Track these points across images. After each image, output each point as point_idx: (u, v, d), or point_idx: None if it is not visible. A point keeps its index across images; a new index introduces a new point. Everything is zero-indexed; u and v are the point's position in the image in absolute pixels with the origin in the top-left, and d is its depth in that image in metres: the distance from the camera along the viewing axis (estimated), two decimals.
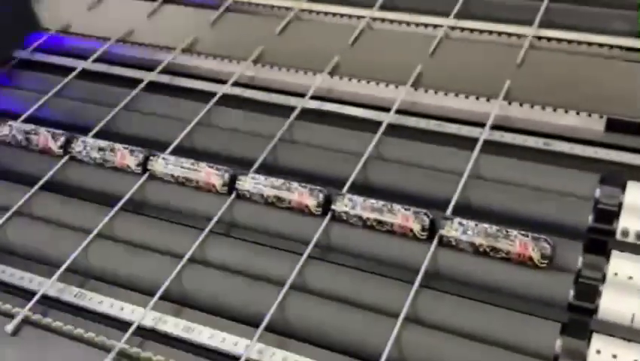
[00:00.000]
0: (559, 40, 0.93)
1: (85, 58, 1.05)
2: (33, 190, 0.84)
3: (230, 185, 0.80)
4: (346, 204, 0.74)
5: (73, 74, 1.02)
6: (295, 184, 0.77)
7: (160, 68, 1.00)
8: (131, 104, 0.95)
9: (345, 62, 0.96)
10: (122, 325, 0.70)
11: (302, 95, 0.92)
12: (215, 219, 0.77)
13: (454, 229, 0.70)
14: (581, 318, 0.65)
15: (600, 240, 0.70)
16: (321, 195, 0.76)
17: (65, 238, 0.80)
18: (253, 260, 0.74)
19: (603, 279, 0.67)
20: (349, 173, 0.79)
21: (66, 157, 0.88)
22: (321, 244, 0.74)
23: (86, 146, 0.87)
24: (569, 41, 0.92)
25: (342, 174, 0.80)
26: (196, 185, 0.81)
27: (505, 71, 0.89)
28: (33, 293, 0.74)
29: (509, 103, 0.86)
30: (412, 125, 0.87)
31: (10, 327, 0.70)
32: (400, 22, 1.02)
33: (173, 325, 0.70)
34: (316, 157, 0.84)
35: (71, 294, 0.74)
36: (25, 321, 0.71)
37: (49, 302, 0.74)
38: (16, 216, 0.82)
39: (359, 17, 1.03)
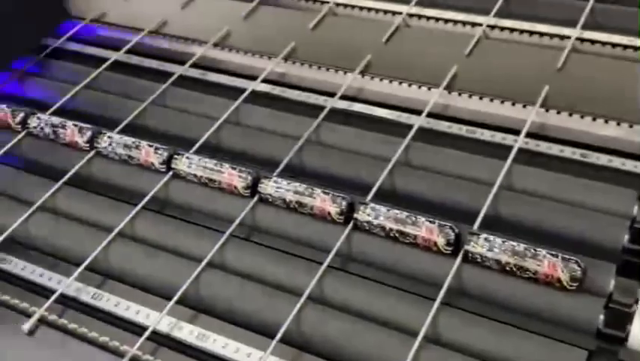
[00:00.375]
0: (603, 43, 0.88)
1: (117, 49, 1.04)
2: (57, 186, 0.83)
3: (253, 188, 0.78)
4: (369, 213, 0.72)
5: (105, 65, 1.01)
6: (318, 190, 0.75)
7: (190, 62, 0.99)
8: (160, 99, 0.94)
9: (378, 60, 0.93)
10: (137, 328, 0.69)
11: (332, 95, 0.90)
12: (236, 222, 0.76)
13: (480, 245, 0.67)
14: (609, 346, 0.62)
15: (635, 262, 0.67)
16: (343, 203, 0.73)
17: (87, 235, 0.79)
18: (272, 268, 0.73)
19: (636, 305, 0.63)
20: (375, 178, 0.77)
21: (92, 152, 0.87)
22: (341, 253, 0.72)
23: (112, 142, 0.86)
24: (614, 45, 0.88)
25: (368, 179, 0.78)
26: (219, 186, 0.80)
27: (544, 76, 0.85)
28: (51, 291, 0.73)
29: (547, 110, 0.82)
30: (444, 130, 0.84)
31: (26, 326, 0.70)
32: (438, 20, 0.98)
33: (188, 332, 0.68)
34: (343, 161, 0.82)
35: (89, 294, 0.73)
36: (42, 321, 0.71)
37: (68, 301, 0.73)
38: (39, 211, 0.82)
39: (395, 13, 1.00)
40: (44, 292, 0.74)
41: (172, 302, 0.70)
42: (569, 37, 0.89)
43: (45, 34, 1.10)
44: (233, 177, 0.79)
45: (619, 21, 0.91)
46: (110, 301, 0.72)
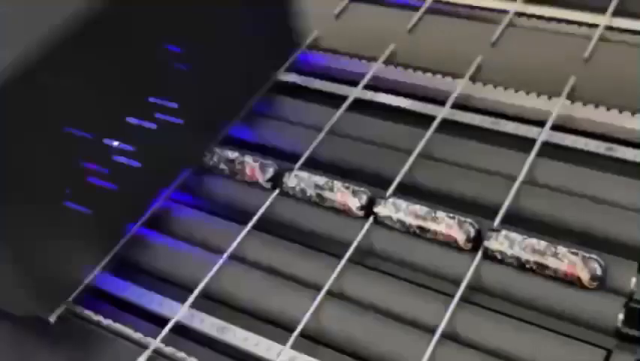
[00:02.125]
0: (633, 32, 0.86)
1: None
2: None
3: (273, 181, 0.78)
4: (389, 208, 0.72)
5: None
6: (338, 184, 0.75)
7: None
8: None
9: (402, 50, 0.92)
10: (160, 320, 0.70)
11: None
12: (257, 216, 0.76)
13: (500, 242, 0.67)
14: (628, 346, 0.62)
15: None
16: (364, 197, 0.73)
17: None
18: (293, 261, 0.74)
19: None
20: (396, 171, 0.76)
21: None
22: (361, 247, 0.73)
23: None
24: None
25: (389, 173, 0.77)
26: (242, 179, 0.80)
27: (570, 66, 0.83)
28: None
29: (572, 102, 0.81)
30: (467, 121, 0.83)
31: (53, 317, 0.71)
32: (464, 6, 0.96)
33: (209, 324, 0.70)
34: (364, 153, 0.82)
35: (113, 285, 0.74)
36: (68, 311, 0.72)
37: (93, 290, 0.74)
38: None
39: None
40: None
41: (194, 295, 0.71)
42: (597, 25, 0.87)
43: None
44: (254, 170, 0.79)
45: None
46: (133, 293, 0.73)
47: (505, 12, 0.93)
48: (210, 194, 0.82)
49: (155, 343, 0.68)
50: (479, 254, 0.68)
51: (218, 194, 0.82)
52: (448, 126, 0.82)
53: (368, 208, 0.73)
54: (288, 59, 0.94)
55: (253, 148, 0.85)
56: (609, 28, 0.87)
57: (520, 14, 0.93)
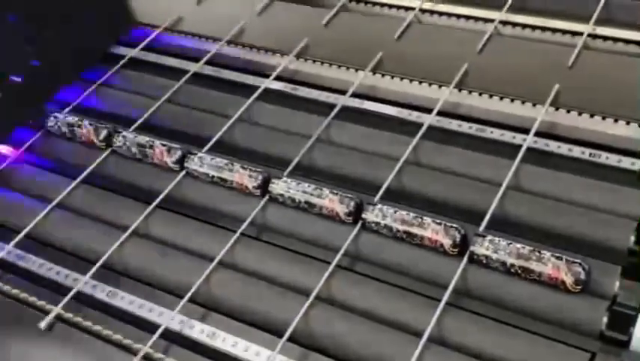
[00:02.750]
0: (616, 40, 0.87)
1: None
2: (74, 184, 0.86)
3: (263, 188, 0.79)
4: (377, 214, 0.73)
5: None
6: (327, 191, 0.76)
7: (205, 59, 1.00)
8: (174, 96, 0.95)
9: (390, 57, 0.93)
10: (150, 326, 0.71)
11: (343, 93, 0.90)
12: (247, 222, 0.77)
13: (486, 247, 0.68)
14: (612, 349, 0.63)
15: None
16: (351, 204, 0.74)
17: (102, 233, 0.81)
18: (281, 267, 0.74)
19: None
20: (385, 177, 0.78)
21: (108, 150, 0.89)
22: (349, 253, 0.73)
23: (126, 141, 0.87)
24: (627, 41, 0.87)
25: (378, 178, 0.78)
26: (230, 186, 0.81)
27: (555, 74, 0.85)
28: (68, 289, 0.75)
29: (556, 109, 0.82)
30: (453, 128, 0.84)
31: (43, 324, 0.72)
32: (450, 15, 0.98)
33: (199, 330, 0.70)
34: (352, 160, 0.83)
35: (103, 292, 0.75)
36: (58, 318, 0.73)
37: (83, 297, 0.75)
38: (57, 208, 0.84)
39: (407, 9, 1.00)
40: (61, 289, 0.76)
41: (184, 301, 0.71)
42: (581, 34, 0.88)
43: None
44: (243, 176, 0.80)
45: (634, 15, 0.90)
46: (124, 299, 0.74)
47: (490, 21, 0.94)
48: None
49: (145, 349, 0.68)
50: (465, 259, 0.69)
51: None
52: (435, 133, 0.83)
53: (356, 214, 0.74)
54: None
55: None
56: (592, 36, 0.89)
57: (505, 23, 0.94)
